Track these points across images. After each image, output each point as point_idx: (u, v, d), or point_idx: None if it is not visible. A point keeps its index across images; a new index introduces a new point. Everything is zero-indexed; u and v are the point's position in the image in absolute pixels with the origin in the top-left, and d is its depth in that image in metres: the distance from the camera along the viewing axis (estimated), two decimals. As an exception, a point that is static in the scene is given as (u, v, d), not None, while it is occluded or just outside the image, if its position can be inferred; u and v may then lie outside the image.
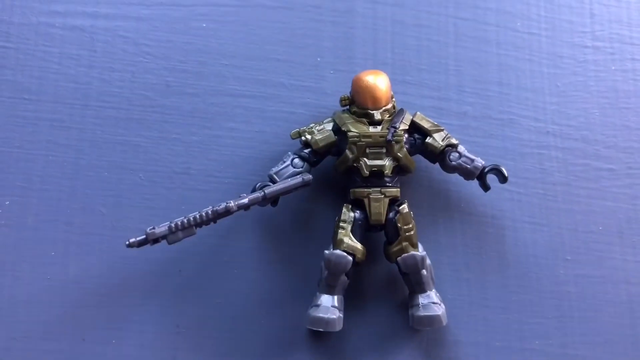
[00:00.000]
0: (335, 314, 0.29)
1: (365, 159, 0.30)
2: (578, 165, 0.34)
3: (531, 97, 0.35)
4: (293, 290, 0.31)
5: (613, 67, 0.35)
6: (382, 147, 0.30)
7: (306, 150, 0.30)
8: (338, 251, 0.29)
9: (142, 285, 0.31)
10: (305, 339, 0.31)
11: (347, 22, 0.34)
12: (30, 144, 0.32)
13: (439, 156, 0.31)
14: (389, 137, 0.29)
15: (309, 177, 0.30)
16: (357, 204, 0.30)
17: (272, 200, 0.29)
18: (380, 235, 0.31)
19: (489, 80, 0.34)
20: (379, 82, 0.30)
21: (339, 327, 0.29)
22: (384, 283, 0.32)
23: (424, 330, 0.31)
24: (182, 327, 0.31)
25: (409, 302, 0.31)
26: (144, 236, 0.27)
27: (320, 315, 0.29)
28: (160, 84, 0.33)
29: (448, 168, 0.31)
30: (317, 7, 0.34)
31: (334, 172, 0.31)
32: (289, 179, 0.29)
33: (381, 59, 0.34)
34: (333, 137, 0.30)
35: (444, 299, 0.31)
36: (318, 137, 0.30)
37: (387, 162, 0.30)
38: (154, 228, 0.27)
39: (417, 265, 0.29)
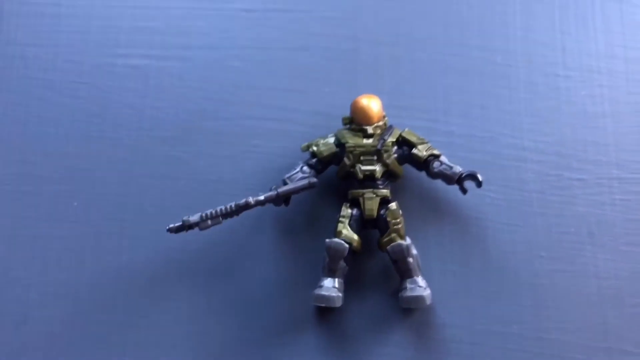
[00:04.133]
0: (336, 293, 0.35)
1: (359, 164, 0.36)
2: (552, 176, 0.39)
3: (509, 118, 0.40)
4: (302, 278, 0.37)
5: (583, 92, 0.41)
6: (373, 155, 0.36)
7: (313, 160, 0.37)
8: (336, 239, 0.35)
9: (181, 271, 0.38)
10: (311, 319, 0.37)
11: (352, 60, 0.41)
12: (96, 157, 0.39)
13: (424, 164, 0.37)
14: (379, 146, 0.36)
15: (314, 180, 0.36)
16: (354, 203, 0.36)
17: (285, 199, 0.36)
18: (376, 233, 0.37)
19: (472, 104, 0.41)
20: (371, 103, 0.37)
21: (338, 303, 0.35)
22: (379, 274, 0.38)
23: (412, 310, 0.36)
24: (212, 306, 0.37)
25: (399, 287, 0.36)
26: (180, 223, 0.34)
27: (323, 293, 0.35)
28: (199, 110, 0.40)
29: (432, 174, 0.37)
30: (327, 48, 0.42)
31: (336, 178, 0.37)
32: (298, 181, 0.36)
33: (380, 89, 0.40)
34: (335, 149, 0.37)
35: (432, 288, 0.36)
36: (322, 148, 0.37)
37: (377, 168, 0.36)
38: (188, 217, 0.34)
39: (403, 252, 0.35)
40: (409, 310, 0.37)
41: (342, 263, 0.35)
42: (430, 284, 0.36)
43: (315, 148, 0.37)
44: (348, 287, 0.36)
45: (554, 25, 0.42)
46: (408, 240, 0.36)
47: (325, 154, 0.37)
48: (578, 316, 0.37)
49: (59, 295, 0.37)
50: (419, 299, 0.35)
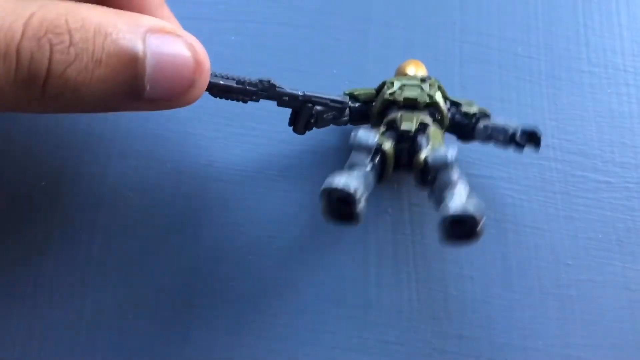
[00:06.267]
0: (356, 180, 0.25)
1: (401, 91, 0.31)
2: (577, 177, 0.36)
3: (532, 113, 0.37)
4: (304, 276, 0.33)
5: (608, 90, 0.38)
6: (417, 86, 0.31)
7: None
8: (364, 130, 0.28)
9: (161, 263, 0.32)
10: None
11: (362, 41, 0.38)
12: (70, 133, 0.34)
13: (472, 124, 0.32)
14: (424, 78, 0.32)
15: (348, 100, 0.32)
16: (390, 127, 0.30)
17: (307, 103, 0.30)
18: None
19: (491, 97, 0.37)
20: (419, 63, 0.34)
21: (352, 187, 0.25)
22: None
23: (426, 318, 0.32)
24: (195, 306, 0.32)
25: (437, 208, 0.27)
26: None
27: (337, 176, 0.25)
28: (190, 86, 0.36)
29: (479, 133, 0.32)
30: (336, 27, 0.38)
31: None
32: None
33: (392, 74, 0.36)
34: (373, 92, 0.33)
35: (447, 294, 0.32)
36: (360, 91, 0.33)
37: (422, 96, 0.31)
38: None
39: (446, 159, 0.27)
40: (423, 317, 0.32)
41: (367, 162, 0.27)
42: (445, 290, 0.32)
43: (350, 90, 0.33)
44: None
45: (577, 18, 0.40)
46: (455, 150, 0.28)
47: (362, 94, 0.32)
48: (608, 332, 0.33)
49: None
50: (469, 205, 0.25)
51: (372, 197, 0.31)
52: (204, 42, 0.37)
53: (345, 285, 0.33)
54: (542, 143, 0.35)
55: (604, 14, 0.40)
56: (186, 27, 0.37)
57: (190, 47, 0.24)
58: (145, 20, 0.22)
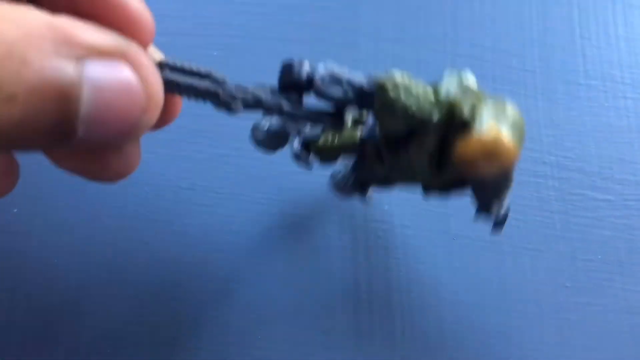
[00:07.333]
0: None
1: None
2: (575, 195, 0.35)
3: (527, 128, 0.35)
4: (292, 305, 0.31)
5: (606, 104, 0.37)
6: None
7: None
8: None
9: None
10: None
11: (350, 55, 0.36)
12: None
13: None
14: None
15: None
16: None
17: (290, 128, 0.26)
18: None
19: (486, 112, 0.36)
20: None
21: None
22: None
23: (419, 343, 0.31)
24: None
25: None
26: None
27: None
28: (171, 105, 0.34)
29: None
30: (321, 40, 0.36)
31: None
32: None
33: (382, 89, 0.35)
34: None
35: (442, 322, 0.31)
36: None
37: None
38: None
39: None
40: (416, 346, 0.31)
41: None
42: (440, 318, 0.31)
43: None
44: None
45: (573, 29, 0.38)
46: None
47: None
48: (610, 357, 0.32)
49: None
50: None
51: (361, 219, 0.30)
52: (185, 58, 0.36)
53: (335, 314, 0.31)
54: (539, 160, 0.35)
55: (601, 25, 0.38)
56: (167, 43, 0.36)
57: (142, 74, 0.17)
58: (83, 33, 0.16)
